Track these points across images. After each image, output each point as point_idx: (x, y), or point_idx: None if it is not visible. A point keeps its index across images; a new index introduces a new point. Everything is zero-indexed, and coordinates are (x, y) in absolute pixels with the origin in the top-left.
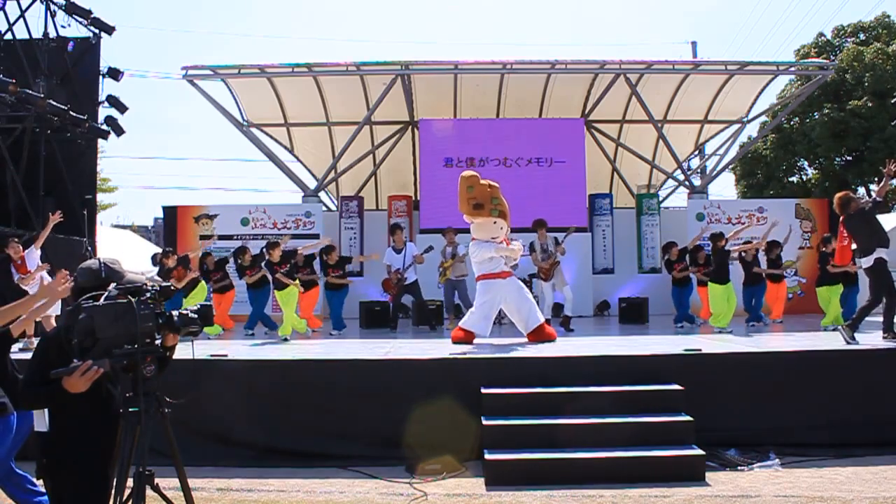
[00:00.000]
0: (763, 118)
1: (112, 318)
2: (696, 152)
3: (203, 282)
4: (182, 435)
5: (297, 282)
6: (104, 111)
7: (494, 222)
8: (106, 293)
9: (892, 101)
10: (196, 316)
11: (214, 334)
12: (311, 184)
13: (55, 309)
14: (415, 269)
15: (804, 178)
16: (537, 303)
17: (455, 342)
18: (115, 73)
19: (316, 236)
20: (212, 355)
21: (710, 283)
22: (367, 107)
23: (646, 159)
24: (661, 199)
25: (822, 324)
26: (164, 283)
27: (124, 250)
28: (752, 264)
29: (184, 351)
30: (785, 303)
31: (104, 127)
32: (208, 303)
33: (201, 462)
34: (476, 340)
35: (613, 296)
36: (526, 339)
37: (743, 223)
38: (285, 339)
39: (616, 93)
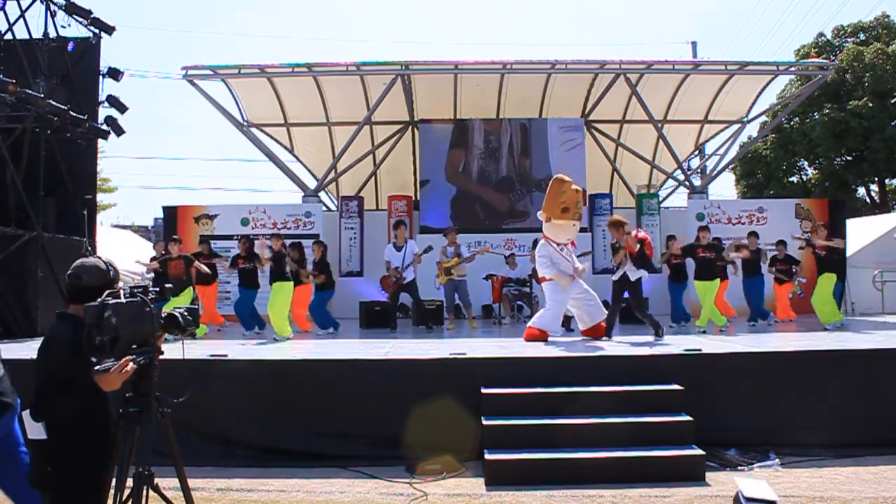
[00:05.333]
0: (763, 118)
1: (130, 318)
2: (696, 152)
3: (190, 287)
4: (182, 435)
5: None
6: (104, 111)
7: (574, 225)
8: (122, 292)
9: (892, 101)
10: (191, 318)
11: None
12: (311, 184)
13: None
14: (413, 268)
15: (804, 178)
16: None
17: (528, 340)
18: (115, 73)
19: (316, 236)
20: (212, 355)
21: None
22: (367, 107)
23: (646, 159)
24: (661, 199)
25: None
26: (167, 285)
27: (124, 250)
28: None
29: (173, 352)
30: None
31: (104, 127)
32: (195, 306)
33: (201, 462)
34: (477, 340)
35: None
36: (581, 336)
37: (742, 223)
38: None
39: (616, 93)
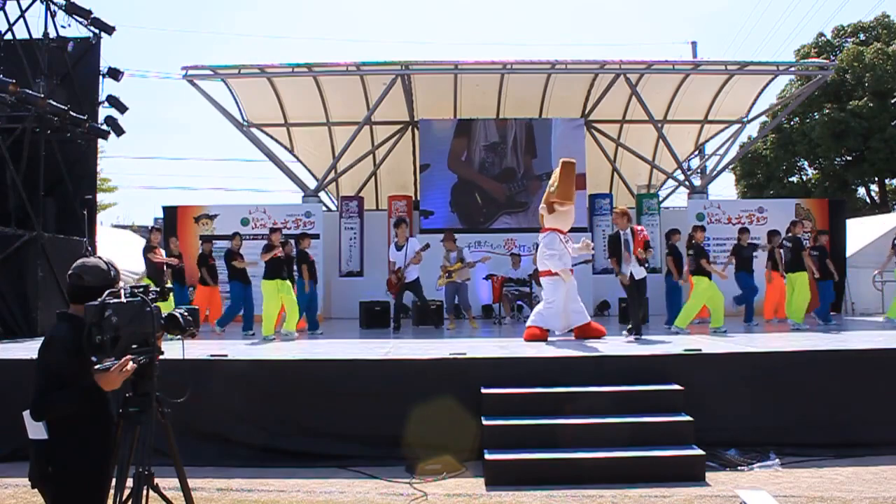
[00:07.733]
0: (763, 118)
1: (131, 317)
2: (696, 152)
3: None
4: (182, 435)
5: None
6: (104, 111)
7: (573, 209)
8: (124, 292)
9: (892, 101)
10: (192, 318)
11: None
12: (311, 184)
13: None
14: (416, 266)
15: (804, 178)
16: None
17: (529, 340)
18: (115, 73)
19: (316, 236)
20: (212, 355)
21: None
22: (367, 107)
23: (646, 159)
24: (661, 199)
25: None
26: (168, 286)
27: (124, 250)
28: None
29: (173, 351)
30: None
31: (104, 127)
32: (195, 307)
33: (201, 462)
34: (477, 340)
35: (613, 296)
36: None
37: (742, 223)
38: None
39: (616, 93)
